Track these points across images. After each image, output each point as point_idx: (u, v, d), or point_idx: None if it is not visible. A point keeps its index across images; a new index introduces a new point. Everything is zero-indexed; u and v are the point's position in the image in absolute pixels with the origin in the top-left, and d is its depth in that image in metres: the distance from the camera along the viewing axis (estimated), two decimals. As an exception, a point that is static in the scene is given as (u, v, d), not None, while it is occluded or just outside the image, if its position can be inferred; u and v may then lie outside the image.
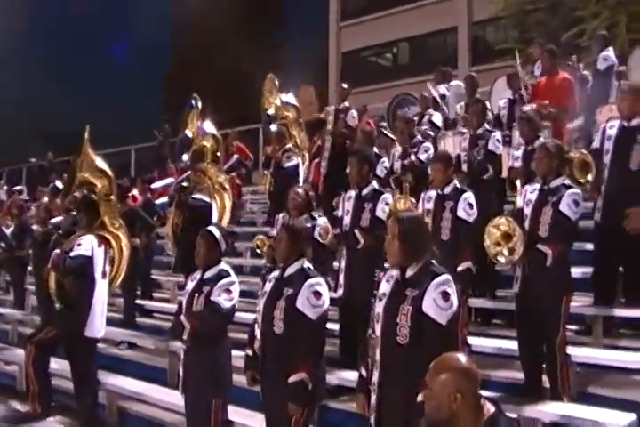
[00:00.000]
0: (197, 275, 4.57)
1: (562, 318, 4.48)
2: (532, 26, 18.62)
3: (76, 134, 6.77)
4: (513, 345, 4.82)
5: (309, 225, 5.35)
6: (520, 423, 4.07)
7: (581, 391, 4.63)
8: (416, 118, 8.94)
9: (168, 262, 8.61)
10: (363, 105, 10.84)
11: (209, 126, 7.91)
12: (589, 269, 5.54)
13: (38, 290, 7.66)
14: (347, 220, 5.54)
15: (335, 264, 6.11)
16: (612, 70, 7.71)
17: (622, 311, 5.32)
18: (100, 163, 6.42)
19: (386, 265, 3.47)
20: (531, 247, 4.50)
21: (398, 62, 30.55)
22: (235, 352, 4.51)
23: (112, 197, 6.24)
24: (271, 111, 9.85)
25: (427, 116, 9.16)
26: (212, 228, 4.71)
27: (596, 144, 5.58)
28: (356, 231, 5.41)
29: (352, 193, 5.62)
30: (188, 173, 7.36)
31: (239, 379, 4.39)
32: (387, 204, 5.48)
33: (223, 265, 4.56)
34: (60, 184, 9.89)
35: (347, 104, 9.15)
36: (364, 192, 5.53)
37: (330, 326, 4.34)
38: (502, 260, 4.62)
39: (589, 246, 5.72)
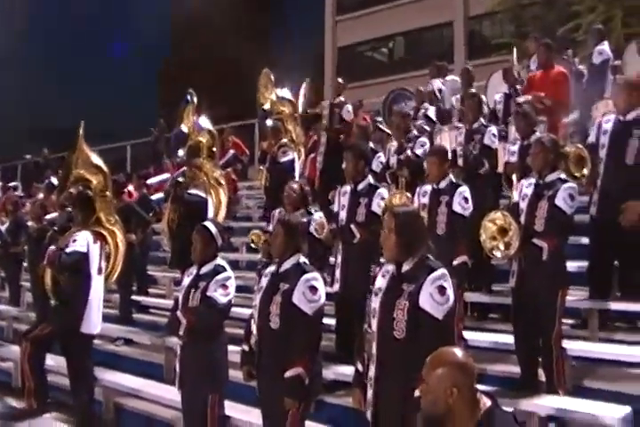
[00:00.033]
0: (193, 270, 4.57)
1: (557, 312, 4.49)
2: (528, 20, 18.64)
3: (72, 130, 6.75)
4: (509, 339, 4.83)
5: (305, 220, 5.35)
6: (516, 417, 4.07)
7: (577, 385, 4.65)
8: (412, 113, 8.93)
9: (164, 258, 8.59)
10: (359, 100, 10.85)
11: (204, 122, 7.89)
12: (585, 263, 5.55)
13: (34, 286, 7.65)
14: (342, 215, 5.54)
15: (331, 259, 6.11)
16: (607, 64, 7.71)
17: (618, 305, 5.33)
18: (96, 159, 6.40)
19: (381, 260, 3.47)
20: (526, 241, 4.50)
21: (394, 57, 30.51)
22: (231, 347, 4.51)
23: (107, 193, 6.23)
24: (267, 106, 9.82)
25: (422, 111, 9.15)
26: (207, 223, 4.71)
27: (591, 138, 5.58)
28: (352, 226, 5.41)
29: (348, 188, 5.62)
30: (184, 168, 7.35)
31: (235, 374, 4.40)
32: (382, 198, 5.47)
33: (219, 260, 4.56)
34: (55, 180, 9.86)
35: (342, 99, 9.14)
36: (360, 187, 5.53)
37: (326, 320, 4.33)
38: (498, 254, 4.63)
39: (585, 240, 5.73)
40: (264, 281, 4.07)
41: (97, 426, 5.66)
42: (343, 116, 8.91)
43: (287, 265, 4.00)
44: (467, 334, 5.19)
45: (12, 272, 9.38)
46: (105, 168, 6.32)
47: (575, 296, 5.30)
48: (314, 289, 3.87)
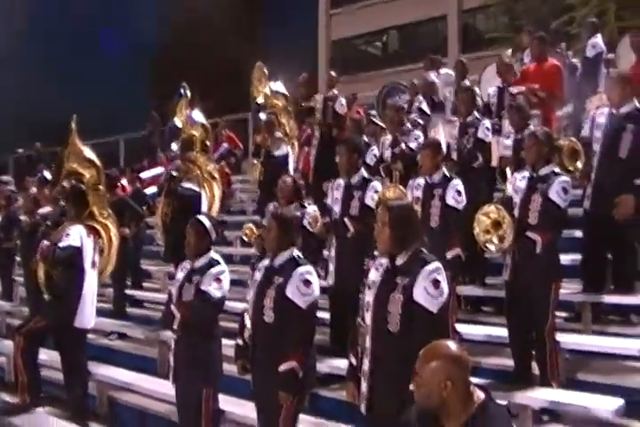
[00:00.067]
0: (187, 264, 4.56)
1: (551, 305, 4.50)
2: (522, 13, 18.60)
3: (66, 124, 6.71)
4: (503, 332, 4.84)
5: (299, 214, 5.34)
6: (510, 410, 4.09)
7: (570, 378, 4.67)
8: (405, 106, 8.91)
9: (158, 252, 8.57)
10: (352, 93, 10.82)
11: (198, 115, 7.89)
12: (578, 257, 5.56)
13: (27, 281, 7.62)
14: (336, 208, 5.54)
15: (325, 253, 6.11)
16: (600, 57, 7.71)
17: (611, 298, 5.35)
18: (88, 153, 6.38)
19: (375, 253, 3.47)
20: (520, 235, 4.51)
21: (388, 50, 30.45)
22: (225, 341, 4.51)
23: (100, 186, 6.21)
24: (260, 100, 9.80)
25: (415, 104, 9.13)
26: (201, 217, 4.69)
27: (585, 132, 5.58)
28: (346, 219, 5.41)
29: (341, 181, 5.61)
30: (178, 162, 7.33)
31: (230, 368, 4.40)
32: (376, 192, 5.48)
33: (213, 254, 4.55)
34: (47, 174, 9.84)
35: (335, 92, 9.12)
36: (353, 180, 5.53)
37: (320, 314, 4.34)
38: (492, 247, 4.64)
39: (578, 234, 5.74)
40: (258, 275, 4.07)
41: (91, 420, 5.64)
42: (336, 110, 8.89)
43: (281, 259, 3.99)
44: (460, 328, 5.20)
45: (4, 267, 9.34)
46: (97, 162, 6.30)
47: (569, 289, 5.32)
48: (308, 283, 3.86)
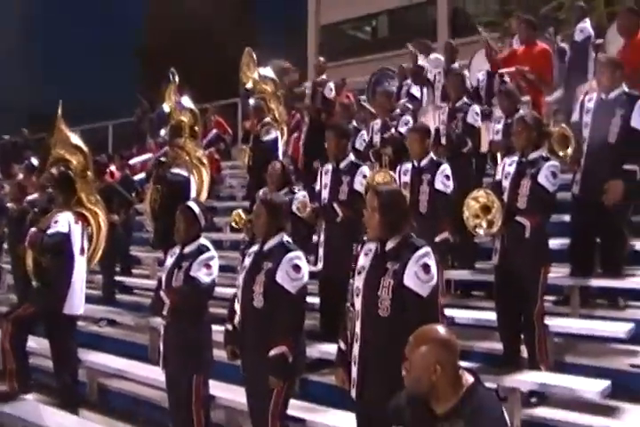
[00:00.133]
0: (177, 250, 4.55)
1: (540, 289, 4.52)
2: (512, -2, 18.50)
3: (52, 110, 6.66)
4: (492, 316, 4.86)
5: (288, 199, 5.33)
6: (499, 393, 4.13)
7: (559, 361, 4.72)
8: (395, 90, 8.90)
9: (147, 239, 8.56)
10: (342, 78, 10.77)
11: (187, 101, 7.83)
12: (567, 241, 5.59)
13: (14, 268, 7.59)
14: (325, 193, 5.54)
15: (314, 238, 6.11)
16: (588, 42, 7.68)
17: (599, 282, 5.39)
18: (75, 139, 6.34)
19: (364, 238, 3.46)
20: (509, 219, 4.51)
21: (378, 35, 30.30)
22: (215, 327, 4.51)
23: (88, 173, 6.17)
24: (249, 85, 9.74)
25: (405, 88, 9.11)
26: (191, 203, 4.68)
27: (575, 117, 5.57)
28: (335, 205, 5.41)
29: (329, 166, 5.61)
30: (167, 148, 7.30)
31: (219, 354, 4.40)
32: (364, 176, 5.47)
33: (202, 240, 4.54)
34: (35, 161, 9.77)
35: (324, 77, 9.08)
36: (342, 165, 5.53)
37: (310, 299, 4.34)
38: (481, 232, 4.64)
39: (567, 218, 5.76)
40: (247, 261, 4.06)
41: (81, 407, 5.64)
42: (326, 95, 8.87)
43: (270, 244, 3.99)
44: (450, 312, 5.21)
45: (-9, 254, 9.29)
46: (85, 148, 6.26)
47: (557, 273, 5.34)
48: (297, 268, 3.86)
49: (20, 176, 9.90)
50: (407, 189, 5.25)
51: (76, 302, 5.65)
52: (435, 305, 3.32)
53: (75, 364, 5.77)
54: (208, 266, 4.39)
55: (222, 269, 4.90)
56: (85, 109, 18.99)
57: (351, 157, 5.62)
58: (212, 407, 4.66)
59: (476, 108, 6.68)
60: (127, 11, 40.56)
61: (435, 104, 8.22)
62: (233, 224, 6.56)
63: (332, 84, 9.01)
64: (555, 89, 8.00)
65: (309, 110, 8.71)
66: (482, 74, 8.04)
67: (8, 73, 36.57)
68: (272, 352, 3.78)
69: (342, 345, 3.49)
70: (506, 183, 4.71)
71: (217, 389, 4.79)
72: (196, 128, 7.46)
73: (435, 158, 5.44)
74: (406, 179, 5.42)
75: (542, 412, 4.30)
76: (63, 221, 5.59)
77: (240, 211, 6.35)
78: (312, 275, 4.37)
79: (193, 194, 6.72)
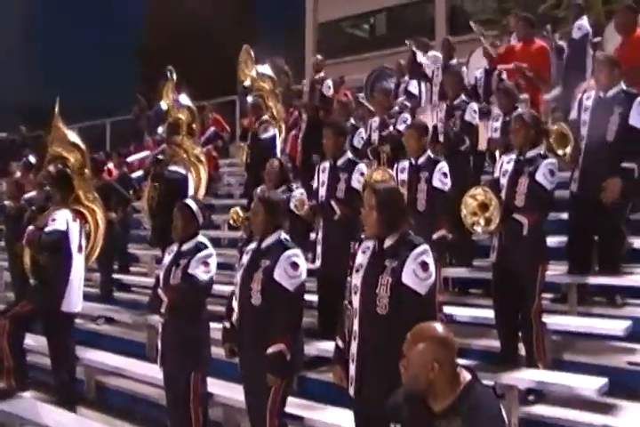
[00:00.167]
0: (174, 248, 4.55)
1: (537, 287, 4.52)
2: (510, -4, 18.50)
3: (50, 108, 6.64)
4: (490, 314, 4.86)
5: (285, 197, 5.33)
6: (496, 391, 4.13)
7: (556, 358, 4.72)
8: (393, 86, 8.91)
9: (145, 236, 8.55)
10: (340, 76, 10.77)
11: (184, 99, 7.82)
12: (565, 239, 5.59)
13: (12, 266, 7.59)
14: (322, 191, 5.54)
15: (312, 236, 6.11)
16: (586, 39, 7.68)
17: (596, 280, 5.38)
18: (72, 136, 6.33)
19: (361, 236, 3.46)
20: (507, 217, 4.51)
21: (376, 33, 30.28)
22: (213, 325, 4.51)
23: (86, 170, 6.16)
24: (247, 83, 9.73)
25: (403, 85, 9.11)
26: (188, 200, 4.69)
27: (573, 115, 5.57)
28: (332, 202, 5.40)
29: (327, 164, 5.60)
30: (164, 145, 7.29)
31: (217, 351, 4.40)
32: (362, 174, 5.47)
33: (200, 238, 4.54)
34: (32, 159, 9.76)
35: (322, 75, 9.08)
36: (339, 163, 5.52)
37: (308, 297, 4.34)
38: (479, 229, 4.64)
39: (565, 216, 5.76)
40: (245, 258, 4.06)
41: (79, 405, 5.64)
42: (324, 92, 8.87)
43: (268, 242, 3.99)
44: (448, 310, 5.21)
45: (-11, 252, 9.29)
46: (82, 146, 6.24)
47: (555, 271, 5.33)
48: (295, 265, 3.86)
49: (18, 174, 9.91)
50: (405, 187, 5.25)
51: (74, 299, 5.65)
52: (432, 303, 3.33)
53: (72, 361, 5.76)
54: (206, 264, 4.39)
55: (220, 266, 4.90)
56: (86, 110, 18.98)
57: (348, 154, 5.62)
58: (209, 405, 4.65)
59: (474, 105, 6.67)
60: (127, 11, 40.54)
61: (433, 104, 8.22)
62: (231, 222, 6.55)
63: (330, 82, 9.01)
64: (553, 87, 7.99)
65: (307, 108, 8.70)
66: (479, 72, 8.05)
67: (8, 73, 36.52)
68: (270, 350, 3.78)
69: (340, 343, 3.49)
70: (503, 181, 4.71)
71: (215, 386, 4.79)
72: (194, 126, 7.46)
73: (432, 156, 5.43)
74: (404, 177, 5.41)
75: (540, 409, 4.31)
76: (61, 219, 5.58)
77: (238, 208, 6.34)
78: (310, 273, 4.37)
79: (190, 192, 6.72)
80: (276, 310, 3.81)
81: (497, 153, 6.04)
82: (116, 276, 8.36)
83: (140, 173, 10.48)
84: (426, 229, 4.61)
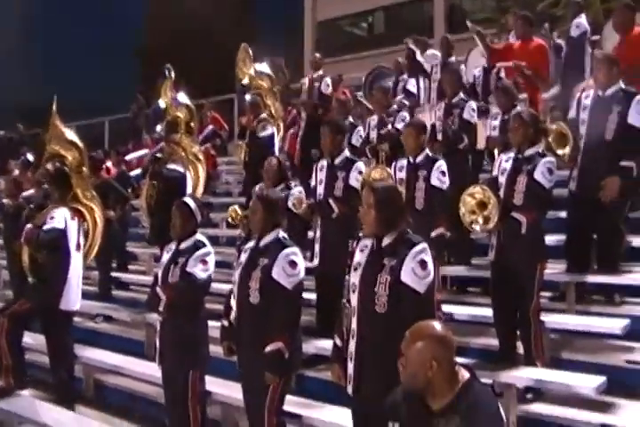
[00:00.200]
0: (173, 246, 4.55)
1: (536, 285, 4.53)
2: (508, -6, 18.49)
3: (48, 106, 6.63)
4: (488, 312, 4.87)
5: (283, 195, 5.33)
6: (494, 389, 4.13)
7: (555, 357, 4.72)
8: (391, 84, 8.91)
9: (143, 234, 8.56)
10: (338, 75, 10.77)
11: (183, 97, 7.82)
12: (563, 237, 5.59)
13: (10, 264, 7.59)
14: (320, 189, 5.53)
15: (310, 234, 6.11)
16: (584, 37, 7.66)
17: (595, 278, 5.39)
18: (70, 135, 6.33)
19: (359, 234, 3.46)
20: (505, 215, 4.52)
21: (374, 31, 30.27)
22: (211, 323, 4.51)
23: (83, 168, 6.16)
24: (245, 81, 9.73)
25: (401, 84, 9.11)
26: (187, 199, 4.68)
27: (572, 114, 5.57)
28: (330, 201, 5.40)
29: (324, 162, 5.60)
30: (162, 144, 7.29)
31: (216, 349, 4.39)
32: (360, 172, 5.47)
33: (199, 236, 4.54)
34: (30, 157, 9.76)
35: (320, 73, 9.08)
36: (337, 161, 5.52)
37: (306, 295, 4.34)
38: (477, 228, 4.64)
39: (563, 214, 5.76)
40: (243, 256, 4.06)
41: (77, 403, 5.64)
42: (322, 90, 8.87)
43: (267, 240, 3.98)
44: (446, 308, 5.22)
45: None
46: (80, 144, 6.24)
47: (553, 269, 5.34)
48: (293, 264, 3.86)
49: (16, 172, 9.92)
50: (403, 186, 5.25)
51: (73, 297, 5.65)
52: (431, 301, 3.33)
53: (71, 360, 5.77)
54: (204, 262, 4.38)
55: (218, 265, 4.90)
56: (86, 110, 18.97)
57: (346, 152, 5.61)
58: (208, 403, 4.65)
59: (473, 104, 6.66)
60: (127, 11, 40.52)
61: (431, 103, 8.22)
62: (229, 220, 6.55)
63: (328, 80, 9.01)
64: (551, 85, 7.98)
65: (306, 106, 8.70)
66: (478, 70, 8.04)
67: (8, 72, 36.47)
68: (268, 348, 3.77)
69: (338, 341, 3.49)
70: (502, 179, 4.72)
71: (213, 385, 4.79)
72: (192, 124, 7.46)
73: (430, 155, 5.43)
74: (402, 175, 5.41)
75: (538, 408, 4.32)
76: (59, 217, 5.58)
77: (236, 207, 6.34)
78: (308, 271, 4.37)
79: (189, 190, 6.72)
80: (274, 309, 3.81)
81: (495, 151, 6.04)
82: (114, 274, 8.36)
83: (138, 171, 10.48)
84: (424, 228, 4.60)
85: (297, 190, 5.85)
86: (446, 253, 6.26)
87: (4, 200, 8.09)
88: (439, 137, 6.64)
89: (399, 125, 7.08)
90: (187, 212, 4.50)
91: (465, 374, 2.57)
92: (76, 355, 5.93)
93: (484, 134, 6.52)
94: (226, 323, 4.15)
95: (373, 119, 7.51)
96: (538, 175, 4.53)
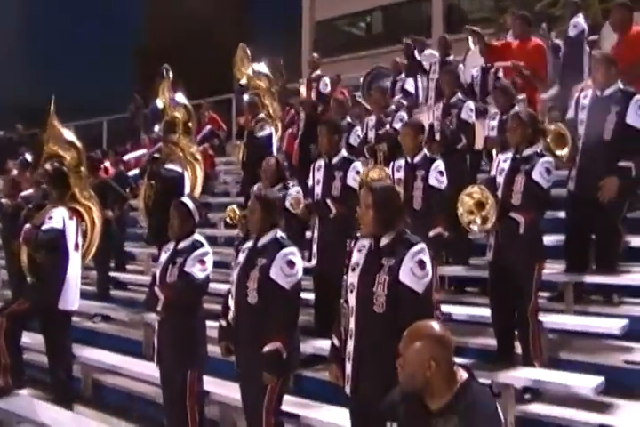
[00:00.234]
0: (171, 246, 4.54)
1: (534, 285, 4.52)
2: (506, -6, 18.51)
3: (46, 106, 6.63)
4: (486, 312, 4.87)
5: (281, 195, 5.33)
6: (492, 389, 4.13)
7: (553, 357, 4.73)
8: (389, 84, 8.91)
9: (141, 234, 8.56)
10: (336, 74, 10.78)
11: (180, 97, 7.82)
12: (562, 237, 5.59)
13: (9, 264, 7.57)
14: (318, 189, 5.53)
15: (308, 234, 6.11)
16: (582, 36, 7.67)
17: (593, 278, 5.39)
18: (68, 135, 6.34)
19: (357, 234, 3.46)
20: (503, 215, 4.52)
21: (372, 31, 30.29)
22: (209, 323, 4.51)
23: (82, 168, 6.16)
24: (243, 81, 9.74)
25: (399, 83, 9.11)
26: (185, 199, 4.68)
27: (570, 114, 5.57)
28: (328, 201, 5.40)
29: (322, 162, 5.60)
30: (160, 144, 7.29)
31: (214, 349, 4.39)
32: (357, 172, 5.47)
33: (197, 236, 4.54)
34: (29, 157, 9.75)
35: (318, 73, 9.08)
36: (334, 161, 5.52)
37: (304, 295, 4.34)
38: (475, 228, 4.64)
39: (562, 214, 5.76)
40: (241, 256, 4.06)
41: (75, 403, 5.64)
42: (321, 90, 8.87)
43: (265, 240, 3.98)
44: (445, 308, 5.22)
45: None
46: (78, 144, 6.25)
47: (552, 270, 5.34)
48: (291, 264, 3.86)
49: (15, 172, 9.90)
50: (401, 186, 5.24)
51: (71, 297, 5.65)
52: (429, 301, 3.33)
53: (69, 359, 5.77)
54: (202, 262, 4.38)
55: (216, 264, 4.90)
56: (85, 110, 18.97)
57: (344, 152, 5.61)
58: (206, 403, 4.65)
59: (471, 104, 6.67)
60: (127, 11, 40.53)
61: (429, 103, 8.22)
62: (227, 220, 6.55)
63: (327, 79, 9.01)
64: (549, 85, 7.98)
65: (305, 106, 8.70)
66: (476, 70, 8.03)
67: (8, 72, 36.44)
68: (266, 348, 3.77)
69: (336, 341, 3.49)
70: (500, 179, 4.71)
71: (211, 384, 4.79)
72: (190, 124, 7.46)
73: (428, 155, 5.42)
74: (400, 175, 5.40)
75: (536, 408, 4.32)
76: (57, 217, 5.58)
77: (234, 207, 6.34)
78: (306, 271, 4.37)
79: (187, 190, 6.72)
80: (272, 309, 3.80)
81: (494, 151, 6.04)
82: (112, 274, 8.36)
83: (136, 171, 10.48)
84: (422, 228, 4.60)
85: (295, 190, 5.84)
86: (444, 253, 6.26)
87: (3, 200, 8.08)
88: (437, 137, 6.65)
89: (397, 125, 7.07)
90: (185, 212, 4.50)
91: (463, 375, 2.56)
92: (75, 355, 5.93)
93: (482, 134, 6.53)
94: (224, 323, 4.14)
95: (371, 119, 7.50)
96: (536, 175, 4.53)
